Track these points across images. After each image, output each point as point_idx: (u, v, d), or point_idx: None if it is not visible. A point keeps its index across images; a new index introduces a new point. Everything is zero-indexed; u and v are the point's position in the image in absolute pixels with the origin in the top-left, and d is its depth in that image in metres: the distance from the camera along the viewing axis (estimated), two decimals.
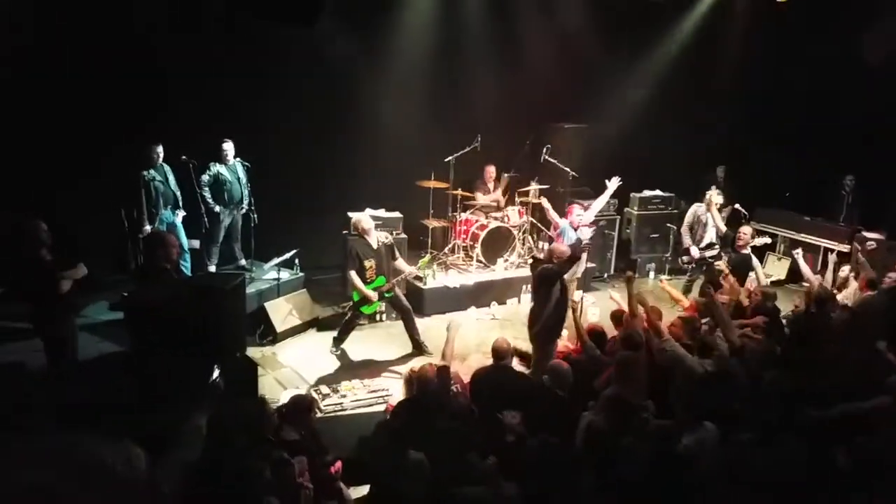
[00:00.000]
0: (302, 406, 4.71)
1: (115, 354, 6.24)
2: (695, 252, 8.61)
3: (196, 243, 8.08)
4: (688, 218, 8.79)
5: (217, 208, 7.96)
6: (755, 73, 10.84)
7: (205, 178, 7.87)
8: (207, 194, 7.87)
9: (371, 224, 7.10)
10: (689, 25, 10.82)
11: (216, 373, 4.29)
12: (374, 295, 6.97)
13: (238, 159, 8.09)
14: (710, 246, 8.54)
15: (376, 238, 7.08)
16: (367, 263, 6.94)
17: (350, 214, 8.43)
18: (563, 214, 8.14)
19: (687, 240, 8.75)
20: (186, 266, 7.70)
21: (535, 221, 9.88)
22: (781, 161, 10.39)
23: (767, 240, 8.24)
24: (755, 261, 7.86)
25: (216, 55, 7.97)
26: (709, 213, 8.50)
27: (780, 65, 10.60)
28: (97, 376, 5.97)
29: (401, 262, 7.28)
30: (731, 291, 6.80)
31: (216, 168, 7.94)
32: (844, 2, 9.76)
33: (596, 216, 8.35)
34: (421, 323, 7.65)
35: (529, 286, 8.98)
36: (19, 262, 5.30)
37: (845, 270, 7.95)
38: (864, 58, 9.39)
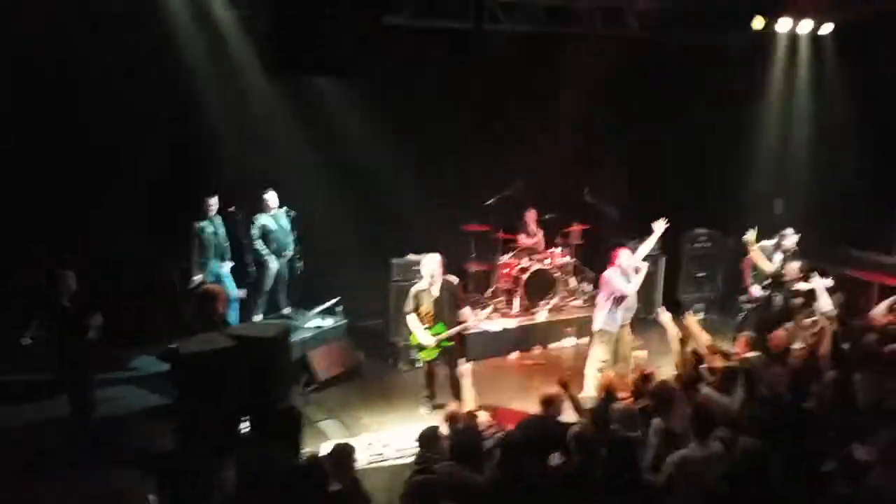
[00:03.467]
0: (344, 455, 4.71)
1: (159, 407, 6.40)
2: (755, 291, 8.16)
3: (243, 293, 8.24)
4: (750, 257, 8.12)
5: (268, 258, 8.09)
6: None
7: (255, 231, 8.04)
8: (260, 246, 8.03)
9: (436, 270, 6.78)
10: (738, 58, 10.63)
11: (245, 424, 4.33)
12: (430, 340, 6.76)
13: (283, 208, 8.26)
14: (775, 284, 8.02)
15: (439, 284, 6.82)
16: (423, 309, 6.74)
17: (393, 261, 8.48)
18: (607, 258, 7.88)
19: (749, 279, 8.33)
20: (234, 316, 7.84)
21: (577, 263, 9.79)
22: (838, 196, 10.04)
23: (824, 282, 7.41)
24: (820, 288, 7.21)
25: (258, 103, 8.23)
26: (766, 255, 8.00)
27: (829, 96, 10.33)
28: (137, 425, 6.17)
29: (465, 311, 6.98)
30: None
31: (260, 219, 8.11)
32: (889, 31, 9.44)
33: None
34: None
35: (571, 329, 8.95)
36: (51, 308, 5.83)
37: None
38: None
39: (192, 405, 4.42)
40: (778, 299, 7.46)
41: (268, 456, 4.17)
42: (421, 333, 6.74)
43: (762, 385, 5.26)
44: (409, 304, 6.81)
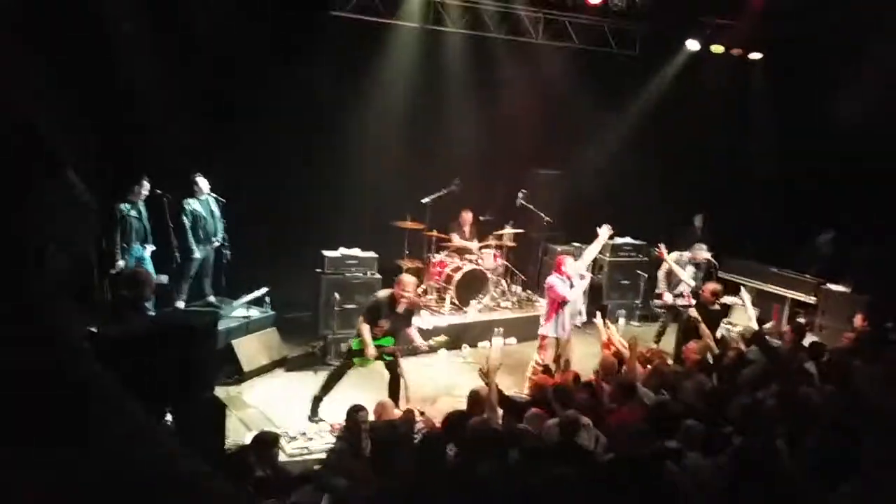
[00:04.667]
0: (265, 442, 4.64)
1: None
2: (668, 298, 8.74)
3: (164, 279, 7.94)
4: (665, 266, 8.78)
5: (195, 246, 7.86)
6: (730, 125, 11.10)
7: (185, 217, 7.78)
8: (189, 233, 7.79)
9: (411, 291, 6.59)
10: (665, 78, 11.11)
11: (168, 416, 4.20)
12: (374, 353, 6.45)
13: (212, 194, 8.03)
14: (681, 295, 8.62)
15: (407, 303, 6.61)
16: (383, 322, 6.50)
17: (325, 253, 8.39)
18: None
19: (662, 285, 8.87)
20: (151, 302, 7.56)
21: (508, 265, 9.93)
22: (756, 212, 10.57)
23: (738, 301, 8.29)
24: (745, 303, 7.89)
25: (192, 89, 7.98)
26: (680, 266, 8.52)
27: (755, 118, 10.88)
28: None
29: (414, 332, 6.82)
30: (703, 342, 6.87)
31: (189, 203, 7.86)
32: (815, 58, 10.02)
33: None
34: None
35: (501, 329, 9.06)
36: None
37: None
38: (837, 115, 9.66)
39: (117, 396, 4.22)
40: (694, 312, 7.75)
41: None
42: (369, 343, 6.42)
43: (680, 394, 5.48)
44: (369, 314, 6.55)
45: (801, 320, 8.27)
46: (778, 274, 10.33)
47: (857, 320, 8.09)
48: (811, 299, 9.73)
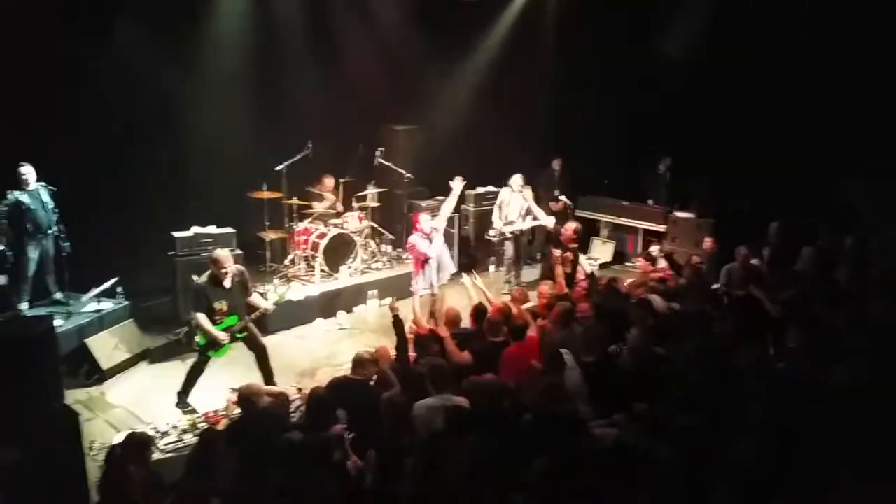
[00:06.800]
0: (135, 444, 4.34)
1: None
2: (498, 225, 9.33)
3: (2, 279, 7.18)
4: (498, 201, 9.43)
5: (28, 244, 7.16)
6: (573, 63, 11.37)
7: (2, 208, 7.00)
8: (9, 226, 7.03)
9: (230, 263, 6.22)
10: (506, 21, 11.21)
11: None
12: (224, 337, 6.17)
13: (41, 183, 7.28)
14: (511, 223, 9.25)
15: (231, 275, 6.24)
16: (218, 305, 6.15)
17: (175, 234, 7.93)
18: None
19: (495, 219, 9.42)
20: None
21: (375, 225, 9.81)
22: (606, 150, 11.00)
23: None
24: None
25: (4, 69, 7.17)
26: (527, 203, 9.11)
27: (593, 54, 11.21)
28: None
29: (256, 298, 6.52)
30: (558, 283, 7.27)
31: (15, 195, 7.08)
32: None
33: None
34: (268, 340, 7.29)
35: (376, 291, 9.02)
36: None
37: (655, 249, 8.66)
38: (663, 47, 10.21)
39: None
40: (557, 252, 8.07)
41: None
42: (212, 332, 6.13)
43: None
44: (198, 303, 6.16)
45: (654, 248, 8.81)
46: (630, 207, 10.93)
47: (707, 243, 8.72)
48: (661, 228, 10.38)
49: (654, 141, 10.90)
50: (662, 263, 8.30)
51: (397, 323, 5.90)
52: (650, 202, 10.89)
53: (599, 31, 10.57)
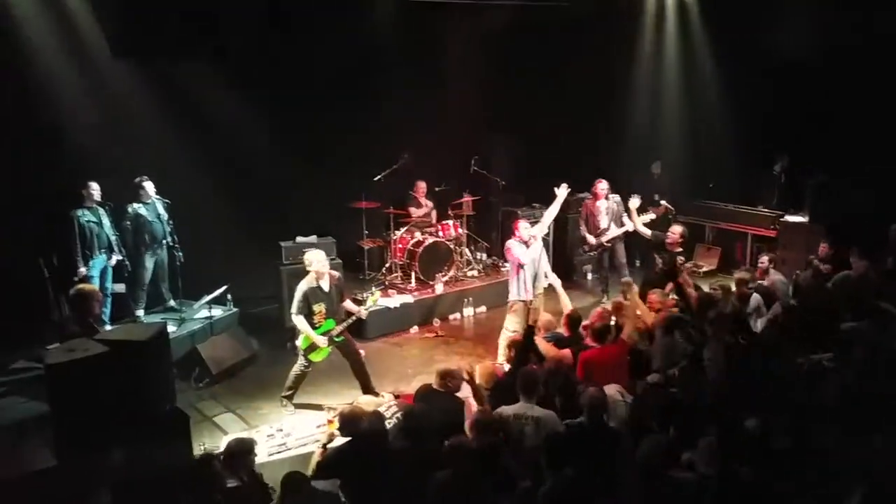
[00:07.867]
0: (240, 450, 4.51)
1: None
2: (591, 240, 9.13)
3: (121, 287, 7.71)
4: (584, 213, 9.28)
5: (145, 253, 7.68)
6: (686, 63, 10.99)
7: (126, 221, 7.55)
8: (129, 237, 7.58)
9: (326, 265, 6.44)
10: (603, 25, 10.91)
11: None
12: (323, 341, 6.39)
13: (157, 196, 7.76)
14: (603, 231, 9.07)
15: (328, 279, 6.49)
16: (317, 308, 6.34)
17: (282, 244, 8.25)
18: (499, 227, 7.94)
19: (583, 230, 9.22)
20: (106, 312, 7.34)
21: (470, 233, 9.83)
22: (712, 153, 10.53)
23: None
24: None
25: (124, 90, 7.71)
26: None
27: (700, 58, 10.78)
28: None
29: (349, 303, 6.76)
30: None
31: (135, 208, 7.60)
32: None
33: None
34: (366, 346, 7.42)
35: (471, 300, 9.01)
36: None
37: (765, 260, 7.78)
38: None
39: (67, 419, 4.07)
40: (659, 261, 7.71)
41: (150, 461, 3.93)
42: (312, 335, 6.34)
43: None
44: (301, 306, 6.31)
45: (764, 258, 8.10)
46: (735, 211, 10.38)
47: (822, 249, 8.05)
48: (771, 233, 9.80)
49: (766, 140, 10.25)
50: (775, 275, 7.67)
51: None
52: (761, 207, 10.28)
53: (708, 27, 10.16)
